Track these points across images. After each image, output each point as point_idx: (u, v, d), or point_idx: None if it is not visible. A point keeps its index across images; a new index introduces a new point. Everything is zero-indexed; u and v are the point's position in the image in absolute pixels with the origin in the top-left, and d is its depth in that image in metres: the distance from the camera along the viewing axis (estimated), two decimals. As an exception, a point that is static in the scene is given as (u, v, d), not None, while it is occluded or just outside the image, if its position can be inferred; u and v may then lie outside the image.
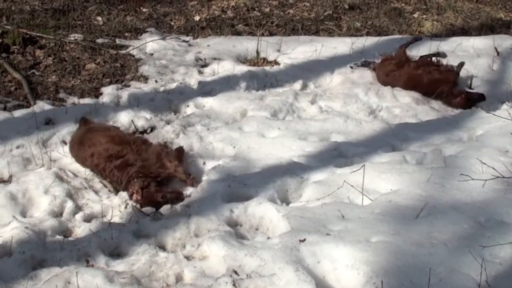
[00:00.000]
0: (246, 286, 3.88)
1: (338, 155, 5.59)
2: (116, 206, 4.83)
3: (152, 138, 5.80)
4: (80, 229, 4.53)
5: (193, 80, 7.24)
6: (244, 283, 3.90)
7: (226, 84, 7.05)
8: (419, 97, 6.93)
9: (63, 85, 6.97)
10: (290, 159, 5.44)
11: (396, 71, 7.18)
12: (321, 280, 3.97)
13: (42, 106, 6.34)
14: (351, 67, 7.67)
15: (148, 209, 4.76)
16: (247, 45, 8.20)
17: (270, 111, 6.40)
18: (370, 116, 6.52)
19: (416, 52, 7.90)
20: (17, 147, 5.58)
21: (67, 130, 5.84)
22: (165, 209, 4.78)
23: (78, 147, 5.39)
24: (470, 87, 7.23)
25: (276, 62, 7.93)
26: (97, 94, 6.83)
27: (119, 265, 4.13)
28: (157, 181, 4.99)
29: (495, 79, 7.45)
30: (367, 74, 7.44)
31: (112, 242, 4.37)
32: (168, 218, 4.64)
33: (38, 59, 7.50)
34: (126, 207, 4.81)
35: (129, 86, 7.04)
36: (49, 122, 6.06)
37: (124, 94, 6.70)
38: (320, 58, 7.86)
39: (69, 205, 4.77)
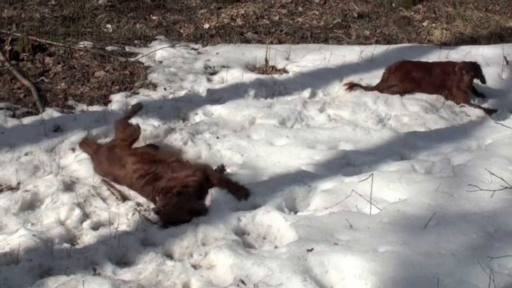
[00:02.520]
0: (253, 296, 3.88)
1: (346, 163, 5.58)
2: (123, 214, 4.81)
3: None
4: (88, 237, 4.52)
5: (202, 87, 7.25)
6: (251, 292, 3.90)
7: (235, 92, 7.06)
8: (428, 106, 6.92)
9: (72, 92, 6.99)
10: (298, 168, 5.43)
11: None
12: (329, 290, 3.96)
13: (51, 113, 6.36)
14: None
15: (155, 217, 4.75)
16: (256, 53, 8.21)
17: (279, 119, 6.39)
18: (379, 125, 6.51)
19: (426, 60, 7.87)
20: (26, 154, 5.59)
21: (75, 138, 5.84)
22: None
23: (109, 168, 5.30)
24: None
25: (285, 70, 7.93)
26: (106, 101, 6.84)
27: (126, 274, 4.11)
28: (185, 192, 4.83)
29: (504, 88, 7.44)
30: (376, 83, 7.42)
31: (119, 250, 4.36)
32: (176, 226, 4.62)
33: (48, 66, 7.52)
34: (133, 215, 4.80)
35: (138, 93, 7.05)
36: (57, 129, 6.06)
37: (133, 102, 6.71)
38: (329, 66, 7.86)
39: (77, 212, 4.77)
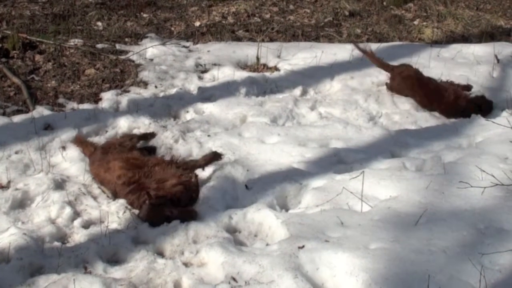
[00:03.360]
0: (244, 293, 3.88)
1: (337, 161, 5.59)
2: (114, 212, 4.80)
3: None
4: (78, 236, 4.50)
5: (193, 85, 7.24)
6: (242, 290, 3.90)
7: (226, 90, 7.05)
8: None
9: (63, 90, 6.96)
10: (290, 165, 5.43)
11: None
12: None
13: (41, 111, 6.33)
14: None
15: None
16: (247, 51, 8.20)
17: (270, 117, 6.39)
18: (370, 123, 6.52)
19: (417, 59, 7.89)
20: (16, 153, 5.57)
21: (66, 136, 5.82)
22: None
23: (97, 169, 5.27)
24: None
25: (276, 68, 7.93)
26: (96, 99, 6.81)
27: (117, 272, 4.10)
28: (172, 201, 4.78)
29: (495, 86, 7.45)
30: (367, 81, 7.43)
31: (110, 249, 4.34)
32: (167, 224, 4.62)
33: (38, 64, 7.49)
34: (124, 213, 4.78)
35: (128, 91, 7.03)
36: (48, 127, 6.04)
37: (124, 100, 6.69)
38: (320, 64, 7.86)
39: (68, 211, 4.75)
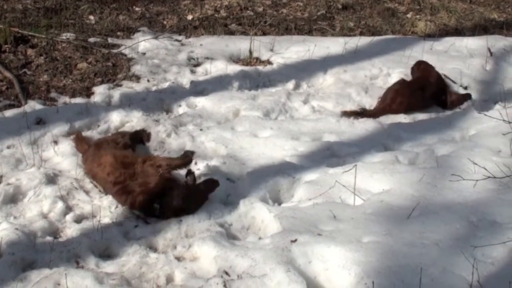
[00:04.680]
0: (237, 287, 3.86)
1: (330, 155, 5.59)
2: (106, 206, 4.79)
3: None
4: (70, 230, 4.49)
5: (186, 79, 7.21)
6: (235, 284, 3.88)
7: (219, 83, 7.03)
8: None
9: (55, 84, 6.93)
10: (282, 159, 5.42)
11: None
12: (312, 281, 3.96)
13: (33, 105, 6.30)
14: None
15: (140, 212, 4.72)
16: (240, 44, 8.17)
17: (263, 111, 6.38)
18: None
19: (410, 52, 7.89)
20: (8, 147, 5.54)
21: (58, 130, 5.80)
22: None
23: (90, 165, 5.21)
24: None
25: (269, 62, 7.91)
26: (88, 93, 6.78)
27: (109, 266, 4.10)
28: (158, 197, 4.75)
29: (488, 79, 7.46)
30: (360, 74, 7.42)
31: (102, 243, 4.34)
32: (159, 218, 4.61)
33: (30, 58, 7.45)
34: (116, 208, 4.77)
35: (121, 85, 7.00)
36: (40, 121, 6.01)
37: (116, 94, 6.67)
38: (313, 58, 7.85)
39: (60, 205, 4.73)
